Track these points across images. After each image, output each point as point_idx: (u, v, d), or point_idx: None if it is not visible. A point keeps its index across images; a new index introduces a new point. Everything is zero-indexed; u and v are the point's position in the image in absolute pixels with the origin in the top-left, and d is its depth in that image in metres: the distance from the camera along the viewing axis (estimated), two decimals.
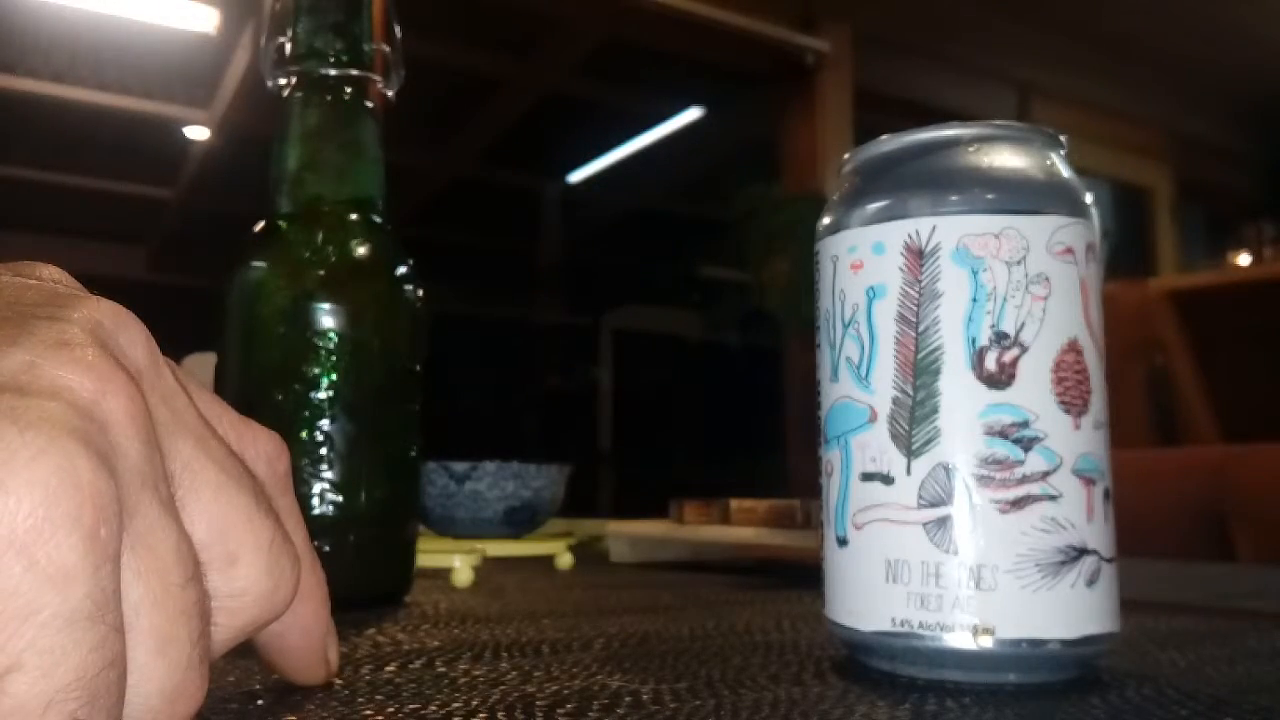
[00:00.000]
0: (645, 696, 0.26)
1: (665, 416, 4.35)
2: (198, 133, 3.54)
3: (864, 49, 3.10)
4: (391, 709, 0.24)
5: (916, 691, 0.27)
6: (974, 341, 0.27)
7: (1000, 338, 0.27)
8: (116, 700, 0.16)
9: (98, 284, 0.20)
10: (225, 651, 0.20)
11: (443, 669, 0.29)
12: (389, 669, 0.29)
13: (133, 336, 0.19)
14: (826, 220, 0.31)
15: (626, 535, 0.72)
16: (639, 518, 0.75)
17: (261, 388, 0.43)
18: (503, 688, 0.27)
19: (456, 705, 0.24)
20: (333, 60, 0.46)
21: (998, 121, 0.29)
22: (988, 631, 0.26)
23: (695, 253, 4.23)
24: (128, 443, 0.17)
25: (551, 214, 4.46)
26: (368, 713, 0.24)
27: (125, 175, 3.89)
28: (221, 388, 0.44)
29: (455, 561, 0.55)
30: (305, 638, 0.24)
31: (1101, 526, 0.28)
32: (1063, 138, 0.30)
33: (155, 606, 0.17)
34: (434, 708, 0.24)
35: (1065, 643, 0.27)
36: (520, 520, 0.72)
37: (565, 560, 0.67)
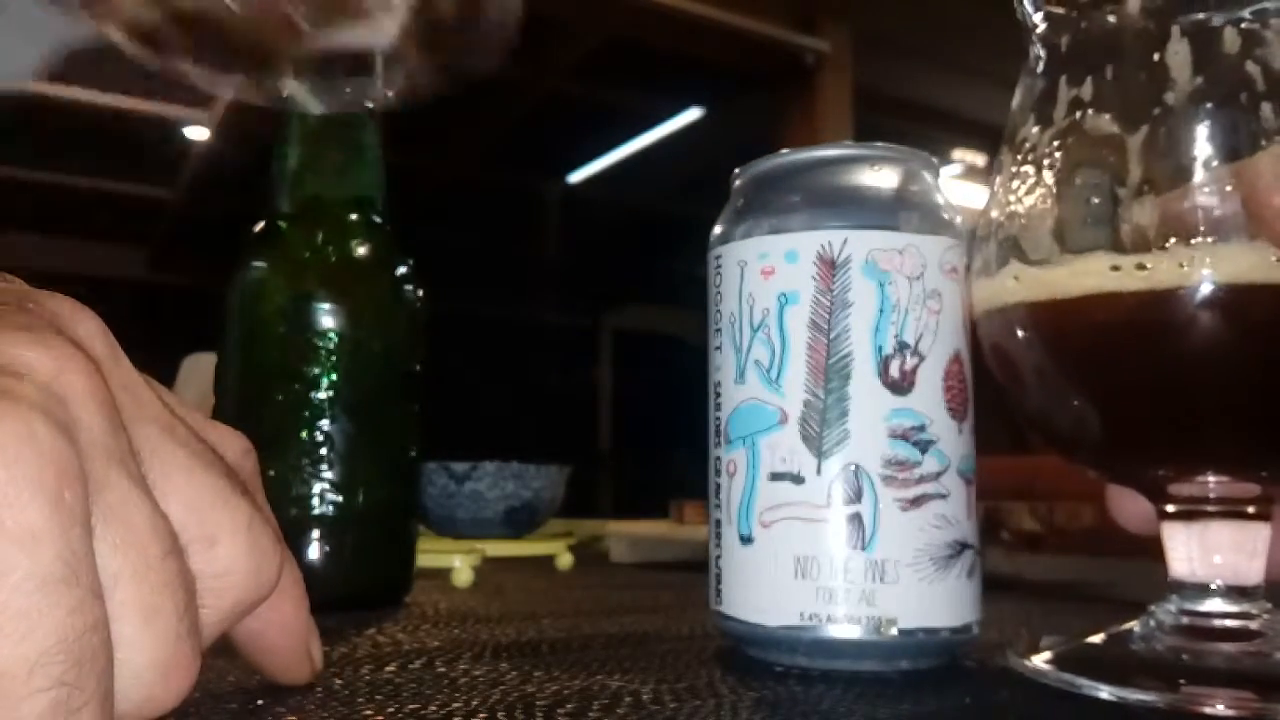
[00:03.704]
0: (645, 696, 0.26)
1: (665, 416, 4.34)
2: (198, 133, 3.53)
3: (864, 49, 3.10)
4: (391, 709, 0.24)
5: (916, 691, 0.27)
6: (880, 350, 0.29)
7: (902, 347, 0.29)
8: (104, 667, 0.16)
9: (97, 284, 0.20)
10: (218, 634, 0.20)
11: (443, 669, 0.29)
12: (389, 669, 0.29)
13: (91, 329, 0.19)
14: (734, 225, 0.32)
15: (626, 535, 0.72)
16: (639, 518, 0.75)
17: (261, 388, 0.43)
18: (503, 688, 0.27)
19: (456, 705, 0.24)
20: None
21: (899, 147, 0.31)
22: (891, 622, 0.28)
23: (695, 253, 4.22)
24: (89, 417, 0.17)
25: (551, 214, 4.46)
26: (368, 713, 0.24)
27: (125, 175, 3.89)
28: (221, 388, 0.44)
29: (455, 561, 0.55)
30: (286, 635, 0.24)
31: (975, 523, 0.30)
32: (935, 162, 0.33)
33: (135, 578, 0.17)
34: (434, 708, 0.24)
35: (953, 630, 0.29)
36: (520, 520, 0.72)
37: (565, 560, 0.67)
